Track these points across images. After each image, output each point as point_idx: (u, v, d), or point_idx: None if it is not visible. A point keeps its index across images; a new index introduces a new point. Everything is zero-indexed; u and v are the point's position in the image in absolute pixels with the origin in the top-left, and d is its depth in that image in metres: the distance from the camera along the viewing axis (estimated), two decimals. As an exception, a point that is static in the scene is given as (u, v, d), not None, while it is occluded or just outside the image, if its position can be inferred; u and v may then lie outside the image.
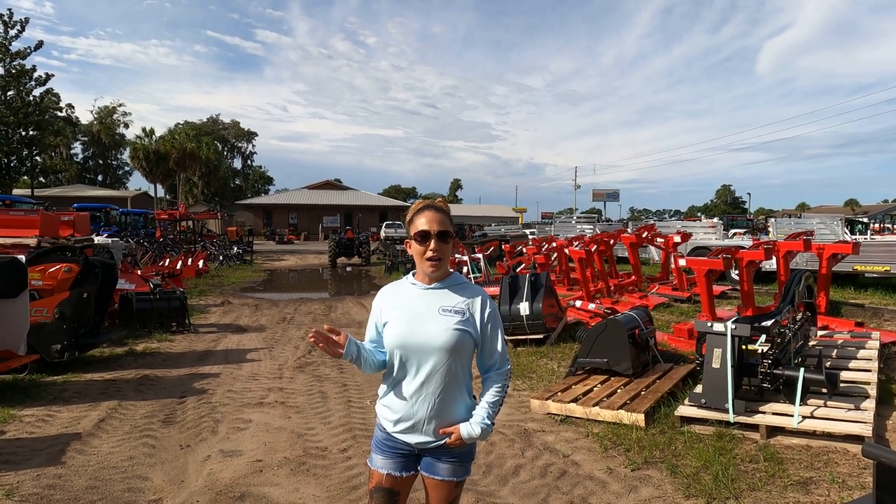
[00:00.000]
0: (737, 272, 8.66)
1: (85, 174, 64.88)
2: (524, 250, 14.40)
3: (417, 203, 2.08)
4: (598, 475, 3.82)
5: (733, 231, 25.03)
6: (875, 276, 12.14)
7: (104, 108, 64.44)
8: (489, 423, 2.00)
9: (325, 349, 1.97)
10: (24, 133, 25.88)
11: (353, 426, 4.76)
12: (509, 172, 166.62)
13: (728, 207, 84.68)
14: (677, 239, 12.62)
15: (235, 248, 24.40)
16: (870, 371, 5.36)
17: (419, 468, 2.07)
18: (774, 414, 4.47)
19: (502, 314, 7.10)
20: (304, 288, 17.02)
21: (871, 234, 19.03)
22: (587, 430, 4.61)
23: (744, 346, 4.75)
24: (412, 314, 2.00)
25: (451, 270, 2.12)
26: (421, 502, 3.01)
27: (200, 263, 17.09)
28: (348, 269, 22.11)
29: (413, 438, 2.02)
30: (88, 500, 3.47)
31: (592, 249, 10.62)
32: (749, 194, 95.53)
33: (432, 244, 1.98)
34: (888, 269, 11.67)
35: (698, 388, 4.77)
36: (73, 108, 45.93)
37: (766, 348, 4.78)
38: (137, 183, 79.80)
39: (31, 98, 25.71)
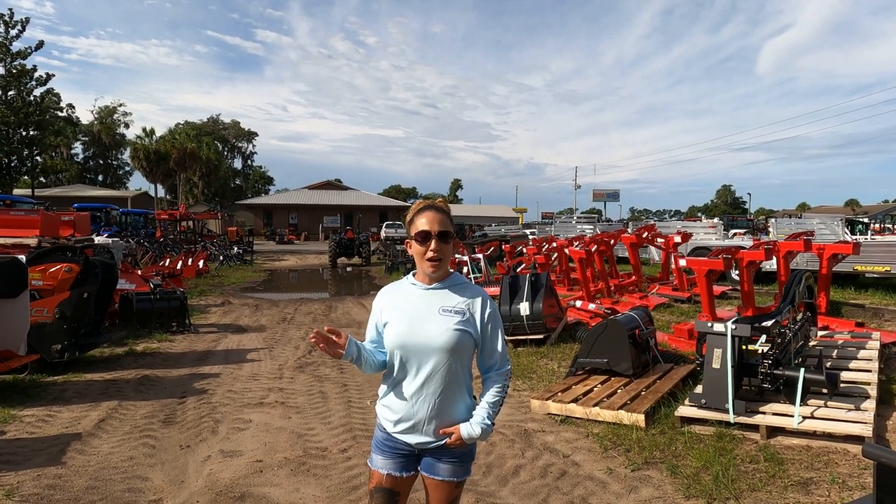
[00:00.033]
0: (737, 272, 8.66)
1: (85, 174, 64.91)
2: (524, 250, 14.41)
3: (418, 203, 2.08)
4: (598, 475, 3.82)
5: (733, 231, 24.97)
6: (875, 276, 12.14)
7: (104, 108, 64.55)
8: (489, 423, 2.00)
9: (326, 350, 1.97)
10: (24, 133, 25.90)
11: (354, 426, 4.76)
12: (509, 172, 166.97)
13: (728, 207, 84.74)
14: (677, 239, 12.61)
15: (236, 249, 24.42)
16: (870, 371, 5.36)
17: (419, 468, 2.07)
18: (775, 414, 4.47)
19: (502, 314, 7.09)
20: (305, 288, 17.02)
21: (872, 235, 19.04)
22: (587, 430, 4.60)
23: (744, 347, 4.75)
24: (412, 314, 2.00)
25: (452, 271, 2.12)
26: (421, 502, 3.00)
27: (201, 263, 17.10)
28: (348, 269, 22.11)
29: (413, 439, 2.02)
30: (88, 500, 3.47)
31: (593, 249, 10.61)
32: (749, 194, 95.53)
33: (433, 244, 1.98)
34: (888, 269, 11.67)
35: (698, 389, 4.77)
36: (73, 108, 46.02)
37: (766, 348, 4.77)
38: (138, 183, 79.92)
39: (32, 98, 25.73)
